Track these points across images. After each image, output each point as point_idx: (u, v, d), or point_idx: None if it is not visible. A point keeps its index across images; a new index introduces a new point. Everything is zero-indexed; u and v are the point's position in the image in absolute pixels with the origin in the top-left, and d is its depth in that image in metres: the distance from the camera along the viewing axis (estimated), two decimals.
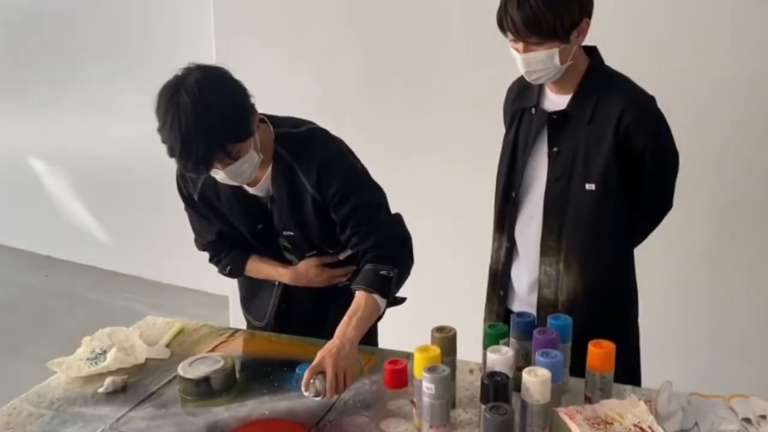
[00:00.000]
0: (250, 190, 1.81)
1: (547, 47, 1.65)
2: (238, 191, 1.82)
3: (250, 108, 1.65)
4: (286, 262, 1.94)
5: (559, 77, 1.74)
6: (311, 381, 1.56)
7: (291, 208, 1.81)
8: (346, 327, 1.65)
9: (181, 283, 4.53)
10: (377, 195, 1.85)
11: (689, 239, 2.74)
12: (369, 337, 2.00)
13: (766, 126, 2.59)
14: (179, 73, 1.60)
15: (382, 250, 1.77)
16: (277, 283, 1.97)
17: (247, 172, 1.68)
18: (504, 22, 1.67)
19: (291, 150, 1.78)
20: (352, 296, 1.73)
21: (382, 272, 1.73)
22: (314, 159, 1.76)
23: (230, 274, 2.01)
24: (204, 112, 1.53)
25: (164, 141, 1.57)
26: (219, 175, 1.66)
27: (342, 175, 1.78)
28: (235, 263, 1.97)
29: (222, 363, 1.72)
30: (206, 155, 1.56)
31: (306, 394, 1.58)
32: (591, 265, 1.81)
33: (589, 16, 1.69)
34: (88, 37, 4.54)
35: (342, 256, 1.92)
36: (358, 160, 1.86)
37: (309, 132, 1.82)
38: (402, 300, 1.95)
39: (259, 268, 1.96)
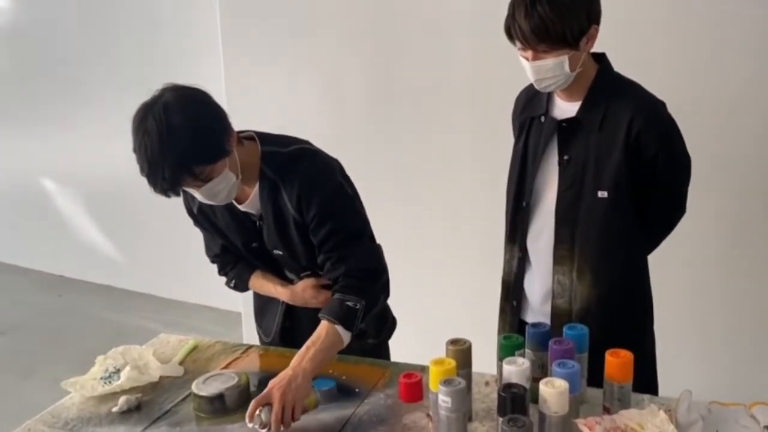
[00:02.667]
0: (241, 207, 1.81)
1: (557, 55, 1.64)
2: (231, 208, 1.81)
3: (222, 129, 1.63)
4: (288, 280, 1.93)
5: (568, 85, 1.73)
6: (257, 412, 1.54)
7: (277, 228, 1.79)
8: (302, 358, 1.61)
9: (193, 300, 4.54)
10: (358, 222, 1.81)
11: (703, 245, 2.71)
12: (380, 352, 1.99)
13: None
14: (154, 94, 1.60)
15: (353, 281, 1.72)
16: (282, 300, 1.97)
17: (223, 193, 1.66)
18: (512, 31, 1.66)
19: (276, 169, 1.75)
20: None
21: (348, 303, 1.68)
22: (297, 178, 1.73)
23: (236, 288, 2.01)
24: (169, 136, 1.52)
25: (137, 162, 1.58)
26: (196, 194, 1.66)
27: (323, 197, 1.73)
28: (239, 278, 1.98)
29: (236, 380, 1.71)
30: (172, 178, 1.55)
31: (249, 425, 1.55)
32: (604, 273, 1.79)
33: (598, 23, 1.68)
34: (98, 58, 4.58)
35: None
36: (348, 184, 1.82)
37: (297, 151, 1.78)
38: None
39: (260, 284, 1.96)
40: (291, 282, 1.92)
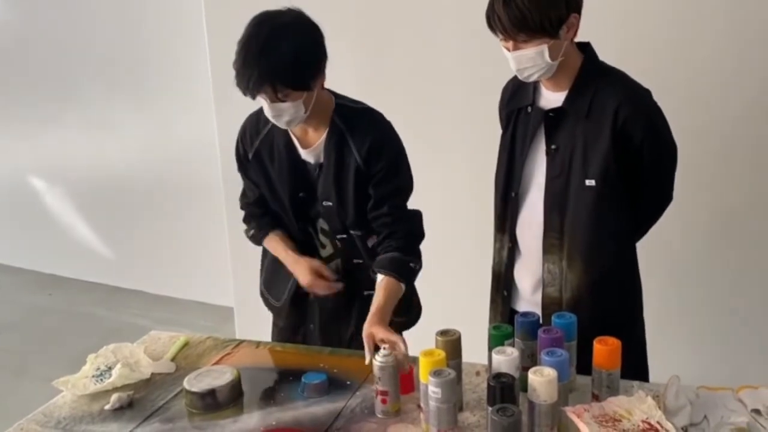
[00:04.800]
0: (303, 153, 1.90)
1: (536, 44, 1.66)
2: (292, 154, 1.91)
3: (317, 69, 1.76)
4: (311, 250, 1.99)
5: (554, 74, 1.74)
6: (377, 361, 1.56)
7: (336, 176, 1.88)
8: (381, 309, 1.74)
9: (185, 296, 4.53)
10: (412, 185, 1.95)
11: (691, 234, 2.74)
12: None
13: (762, 120, 2.59)
14: (282, 8, 1.76)
15: (410, 242, 1.89)
16: (286, 264, 2.00)
17: (286, 117, 1.76)
18: (492, 22, 1.68)
19: (346, 120, 1.87)
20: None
21: (411, 264, 1.85)
22: (368, 132, 1.86)
23: (252, 238, 2.08)
24: (272, 51, 1.68)
25: (236, 54, 1.72)
26: (265, 106, 1.76)
27: (392, 154, 1.88)
28: (260, 229, 2.04)
29: (228, 375, 1.71)
30: (256, 85, 1.68)
31: (379, 370, 1.56)
32: (594, 261, 1.80)
33: (578, 12, 1.69)
34: (85, 57, 4.55)
35: (339, 286, 1.96)
36: (404, 148, 1.95)
37: (367, 109, 1.93)
38: None
39: (275, 243, 2.01)
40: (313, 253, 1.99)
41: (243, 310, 3.85)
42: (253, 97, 1.73)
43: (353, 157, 1.86)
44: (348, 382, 1.73)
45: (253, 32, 1.71)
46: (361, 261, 1.96)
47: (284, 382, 1.76)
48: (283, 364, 1.86)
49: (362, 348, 1.70)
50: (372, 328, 1.68)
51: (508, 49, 1.70)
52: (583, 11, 1.73)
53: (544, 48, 1.66)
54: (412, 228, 1.91)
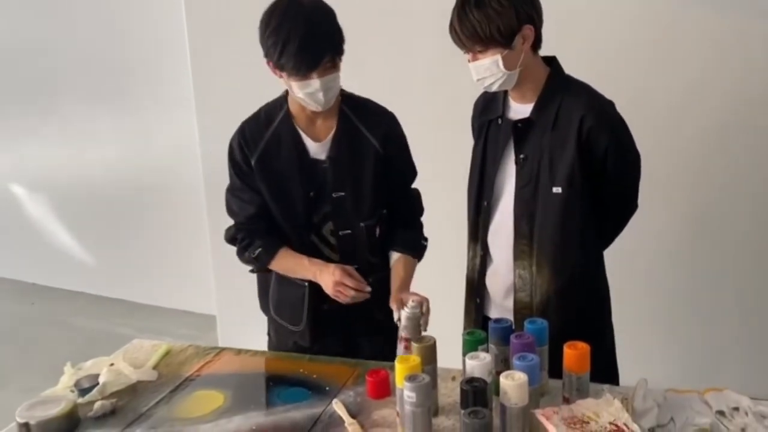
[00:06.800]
0: (312, 148, 1.93)
1: (491, 54, 1.75)
2: (301, 152, 1.93)
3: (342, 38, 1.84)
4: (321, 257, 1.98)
5: (521, 87, 1.81)
6: (403, 320, 1.70)
7: (351, 166, 1.94)
8: (401, 281, 1.94)
9: (167, 305, 4.53)
10: (416, 170, 2.12)
11: (658, 240, 2.79)
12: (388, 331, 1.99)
13: (728, 126, 2.66)
14: None
15: (417, 220, 2.10)
16: (306, 283, 1.96)
17: (333, 90, 1.83)
18: (453, 36, 1.78)
19: (354, 109, 1.96)
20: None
21: (422, 241, 2.07)
22: (380, 118, 1.99)
23: (257, 259, 1.98)
24: (325, 19, 1.79)
25: (277, 40, 1.75)
26: (312, 84, 1.79)
27: (402, 140, 2.04)
28: (268, 247, 1.97)
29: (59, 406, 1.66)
30: (320, 53, 1.76)
31: (406, 320, 1.70)
32: (561, 266, 1.85)
33: (533, 23, 1.76)
34: (65, 65, 4.56)
35: (367, 289, 1.90)
36: None
37: (368, 99, 2.02)
38: None
39: (290, 258, 1.96)
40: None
41: (225, 318, 3.87)
42: (314, 68, 1.76)
43: (370, 144, 1.95)
44: (327, 388, 1.76)
45: (296, 11, 1.75)
46: (358, 266, 1.93)
47: (264, 388, 1.79)
48: (264, 370, 1.90)
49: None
50: (401, 293, 1.86)
51: (469, 60, 1.79)
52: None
53: (498, 58, 1.74)
54: (417, 206, 2.10)
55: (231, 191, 2.02)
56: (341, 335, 2.03)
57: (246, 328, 3.57)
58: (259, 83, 3.33)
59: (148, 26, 4.18)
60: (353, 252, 1.97)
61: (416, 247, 2.05)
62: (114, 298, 4.77)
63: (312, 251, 1.97)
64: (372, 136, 1.95)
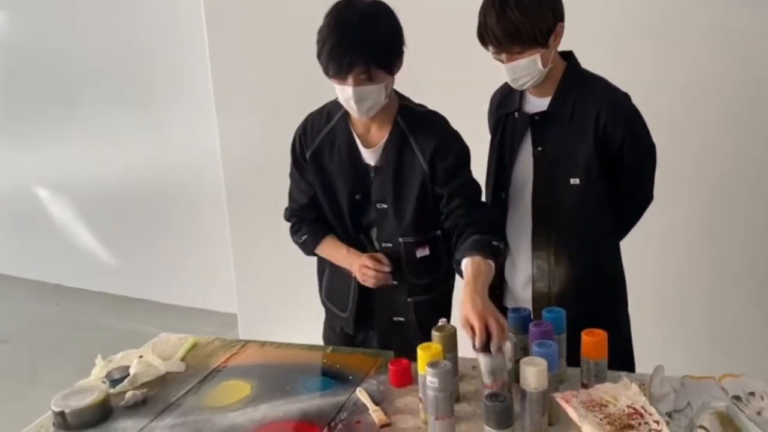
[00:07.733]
0: (364, 152, 1.90)
1: (530, 54, 1.75)
2: (353, 153, 1.91)
3: (401, 51, 1.79)
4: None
5: (541, 82, 1.83)
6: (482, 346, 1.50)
7: (395, 178, 1.88)
8: (474, 288, 1.59)
9: (189, 304, 4.59)
10: (478, 183, 1.95)
11: (675, 232, 2.80)
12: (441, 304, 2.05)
13: (743, 118, 2.67)
14: None
15: (487, 225, 1.82)
16: (345, 265, 2.00)
17: (369, 103, 1.77)
18: (485, 37, 1.76)
19: (409, 122, 1.88)
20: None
21: (494, 243, 1.78)
22: (432, 135, 1.86)
23: (303, 245, 2.05)
24: (371, 26, 1.71)
25: (319, 39, 1.74)
26: (348, 90, 1.74)
27: (457, 152, 1.88)
28: (313, 234, 2.02)
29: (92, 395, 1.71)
30: (352, 62, 1.69)
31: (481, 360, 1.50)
32: (579, 256, 1.89)
33: (563, 20, 1.79)
34: (87, 69, 4.63)
35: (386, 269, 1.92)
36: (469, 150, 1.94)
37: (430, 111, 1.93)
38: None
39: (332, 245, 2.00)
40: None
41: (246, 317, 3.91)
42: (346, 75, 1.72)
43: (417, 159, 1.86)
44: (350, 377, 1.81)
45: (344, 13, 1.72)
46: (396, 283, 1.95)
47: (290, 378, 1.83)
48: (288, 361, 1.94)
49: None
50: (467, 309, 1.55)
51: (502, 61, 1.78)
52: (575, 19, 1.83)
53: (537, 57, 1.75)
54: (485, 214, 1.89)
55: (291, 177, 2.07)
56: (384, 332, 2.05)
57: (266, 326, 3.64)
58: (279, 84, 3.43)
59: (168, 29, 4.24)
60: (394, 266, 1.94)
61: (486, 248, 1.73)
62: (136, 298, 4.84)
63: (359, 249, 1.99)
64: (419, 152, 1.86)
